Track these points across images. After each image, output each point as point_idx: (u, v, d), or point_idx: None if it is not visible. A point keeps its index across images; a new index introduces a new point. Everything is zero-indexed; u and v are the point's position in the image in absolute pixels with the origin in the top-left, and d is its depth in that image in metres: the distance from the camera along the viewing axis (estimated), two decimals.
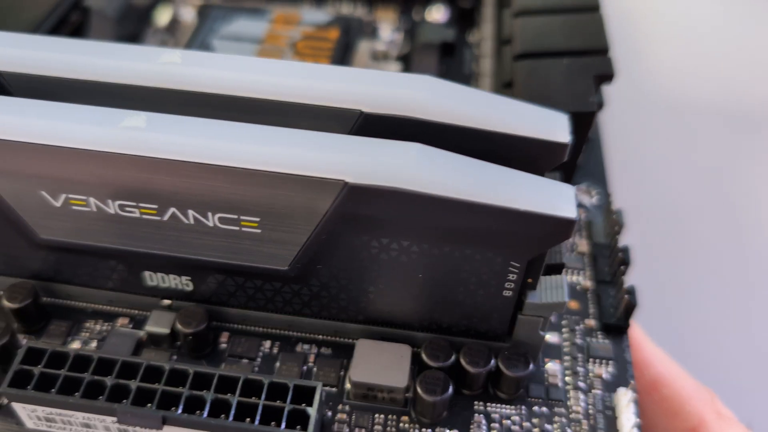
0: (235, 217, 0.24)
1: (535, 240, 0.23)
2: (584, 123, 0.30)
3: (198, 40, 0.39)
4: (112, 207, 0.24)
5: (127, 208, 0.24)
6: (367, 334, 0.27)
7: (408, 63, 0.39)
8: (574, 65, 0.32)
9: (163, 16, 0.42)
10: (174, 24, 0.42)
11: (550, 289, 0.25)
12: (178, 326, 0.26)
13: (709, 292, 0.47)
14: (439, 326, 0.27)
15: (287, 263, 0.25)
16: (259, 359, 0.27)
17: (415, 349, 0.27)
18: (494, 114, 0.24)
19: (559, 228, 0.22)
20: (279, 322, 0.28)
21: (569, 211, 0.22)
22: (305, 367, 0.27)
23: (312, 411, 0.23)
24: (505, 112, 0.25)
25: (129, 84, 0.25)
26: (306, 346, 0.28)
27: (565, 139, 0.24)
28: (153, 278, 0.27)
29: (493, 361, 0.26)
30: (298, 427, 0.23)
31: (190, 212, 0.24)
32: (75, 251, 0.26)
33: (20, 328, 0.28)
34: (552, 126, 0.25)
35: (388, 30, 0.42)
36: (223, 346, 0.28)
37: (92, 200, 0.24)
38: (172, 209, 0.24)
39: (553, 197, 0.22)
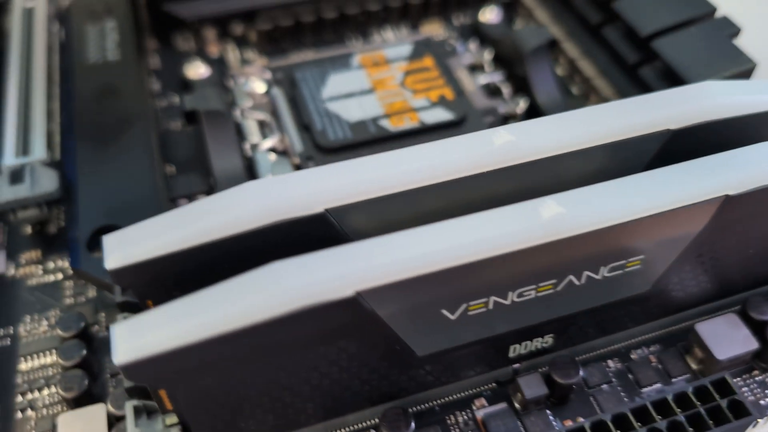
0: (623, 262, 0.25)
1: None
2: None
3: (309, 108, 0.37)
4: (510, 298, 0.24)
5: (525, 293, 0.24)
6: (682, 319, 0.30)
7: (511, 68, 0.40)
8: (702, 32, 0.36)
9: (242, 96, 0.39)
10: (253, 98, 0.39)
11: None
12: (559, 381, 0.27)
13: None
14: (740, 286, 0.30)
15: (650, 284, 0.27)
16: (614, 380, 0.29)
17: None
18: (763, 95, 0.28)
19: None
20: (610, 340, 0.29)
21: None
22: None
23: (742, 398, 0.26)
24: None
25: (477, 174, 0.24)
26: (639, 351, 0.30)
27: None
28: (516, 349, 0.27)
29: None
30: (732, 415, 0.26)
31: (585, 273, 0.25)
32: (449, 355, 0.26)
33: None
34: None
35: (457, 42, 0.43)
36: None
37: (492, 299, 0.24)
38: (570, 277, 0.24)
39: None
